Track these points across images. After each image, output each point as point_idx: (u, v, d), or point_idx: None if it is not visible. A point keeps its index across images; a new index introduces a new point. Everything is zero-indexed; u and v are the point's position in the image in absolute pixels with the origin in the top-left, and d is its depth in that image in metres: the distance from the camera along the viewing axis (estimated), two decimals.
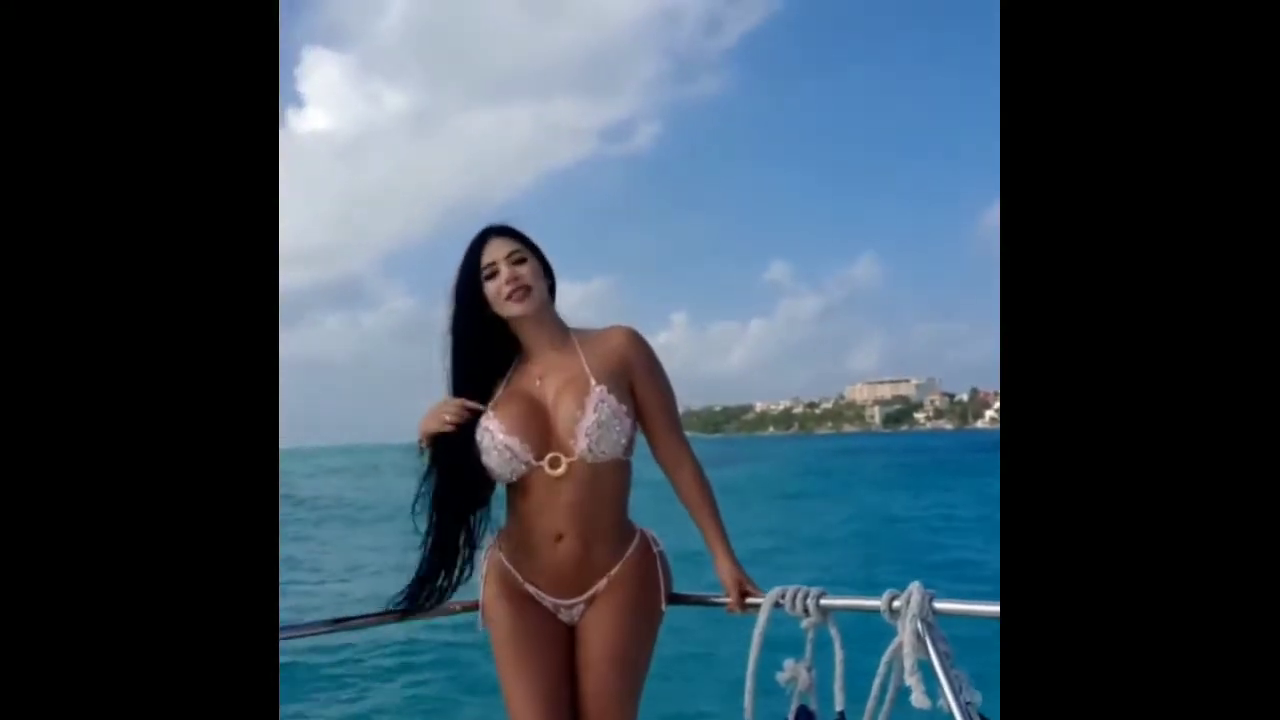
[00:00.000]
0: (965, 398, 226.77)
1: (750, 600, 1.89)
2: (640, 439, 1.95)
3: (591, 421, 1.82)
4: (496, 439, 1.84)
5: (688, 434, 2.01)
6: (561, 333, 1.94)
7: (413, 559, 1.92)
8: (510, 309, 1.88)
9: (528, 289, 1.87)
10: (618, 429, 1.85)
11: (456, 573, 1.94)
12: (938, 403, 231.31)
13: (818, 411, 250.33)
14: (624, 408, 1.86)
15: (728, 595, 1.90)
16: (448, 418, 1.88)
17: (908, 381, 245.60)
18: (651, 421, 1.93)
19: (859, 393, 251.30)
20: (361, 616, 2.05)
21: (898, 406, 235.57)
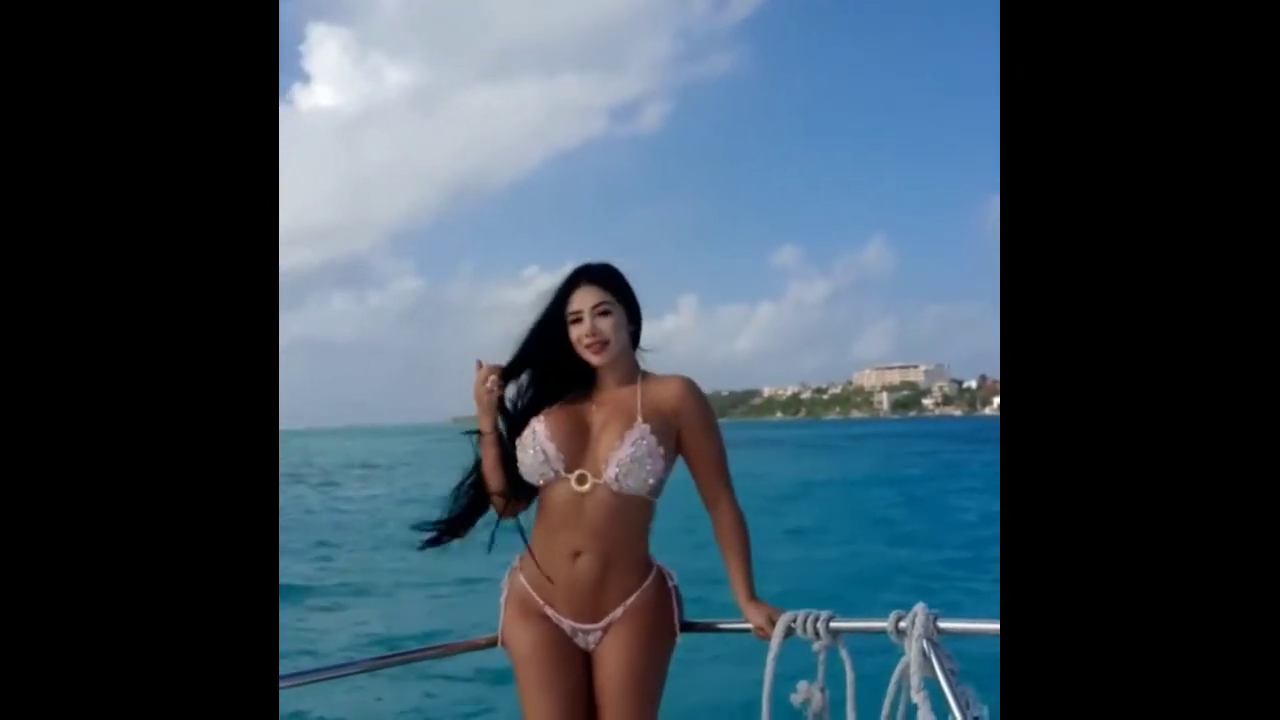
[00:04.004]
0: (973, 384, 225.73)
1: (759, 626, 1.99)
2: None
3: (626, 454, 1.93)
4: (538, 439, 1.98)
5: None
6: (631, 374, 2.07)
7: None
8: (588, 358, 2.01)
9: (606, 343, 2.00)
10: (648, 468, 1.95)
11: (464, 527, 2.07)
12: (946, 389, 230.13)
13: (825, 397, 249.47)
14: (661, 450, 1.96)
15: (756, 628, 1.99)
16: (487, 386, 2.03)
17: (916, 368, 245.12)
18: (698, 464, 2.05)
19: (867, 378, 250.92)
20: (373, 659, 2.20)
21: (906, 392, 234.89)
